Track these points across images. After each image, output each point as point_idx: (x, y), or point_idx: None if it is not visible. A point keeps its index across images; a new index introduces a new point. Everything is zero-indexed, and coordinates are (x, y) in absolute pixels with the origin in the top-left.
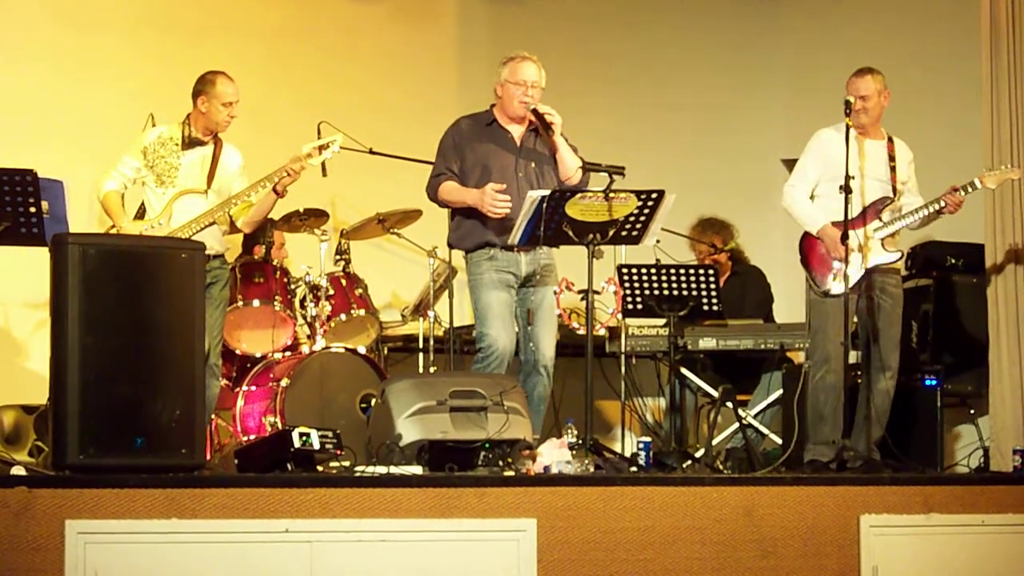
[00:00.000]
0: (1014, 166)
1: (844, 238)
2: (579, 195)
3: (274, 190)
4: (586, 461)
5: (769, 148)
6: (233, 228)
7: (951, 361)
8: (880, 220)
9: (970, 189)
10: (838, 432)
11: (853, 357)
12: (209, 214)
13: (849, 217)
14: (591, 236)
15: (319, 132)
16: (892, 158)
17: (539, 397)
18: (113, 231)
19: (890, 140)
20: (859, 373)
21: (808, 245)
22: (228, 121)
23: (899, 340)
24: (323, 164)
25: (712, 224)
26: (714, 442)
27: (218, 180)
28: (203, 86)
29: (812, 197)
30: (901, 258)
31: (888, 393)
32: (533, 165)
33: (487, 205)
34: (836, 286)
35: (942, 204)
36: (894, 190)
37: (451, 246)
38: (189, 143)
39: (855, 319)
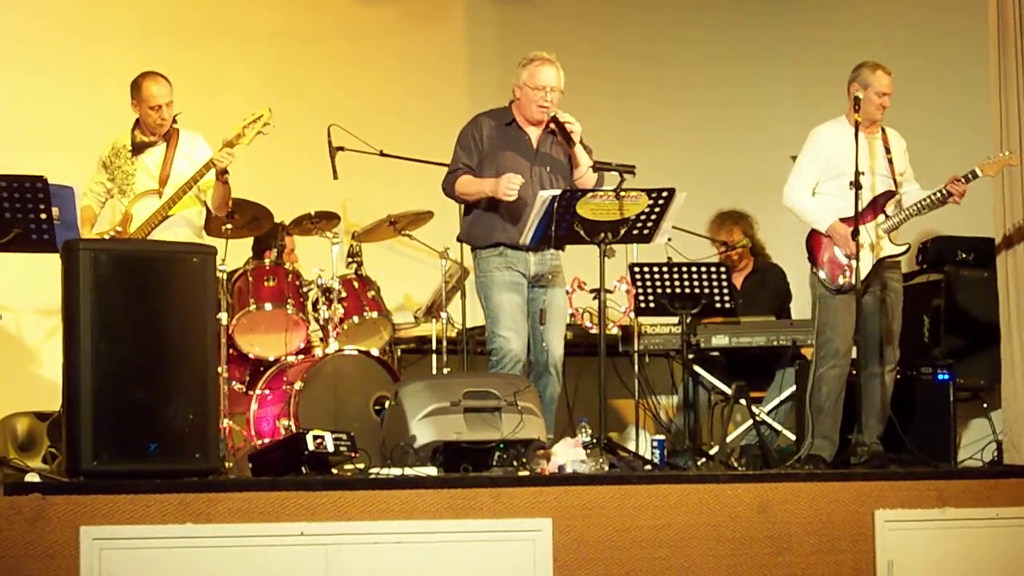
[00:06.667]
0: (1012, 152)
1: (855, 234)
2: (590, 194)
3: (216, 178)
4: (600, 460)
5: (778, 143)
6: (218, 221)
7: (963, 355)
8: (885, 214)
9: (971, 177)
10: (837, 426)
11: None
12: (161, 209)
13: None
14: (602, 235)
15: (329, 135)
16: (888, 150)
17: (550, 397)
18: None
19: (883, 132)
20: (854, 369)
21: (815, 242)
22: (162, 123)
23: (898, 333)
24: (334, 167)
25: (730, 216)
26: (728, 439)
27: (176, 175)
28: (132, 91)
29: (813, 195)
30: (908, 251)
31: (889, 386)
32: (548, 169)
33: (502, 188)
34: (845, 281)
35: (947, 194)
36: (894, 182)
37: (461, 241)
38: (136, 148)
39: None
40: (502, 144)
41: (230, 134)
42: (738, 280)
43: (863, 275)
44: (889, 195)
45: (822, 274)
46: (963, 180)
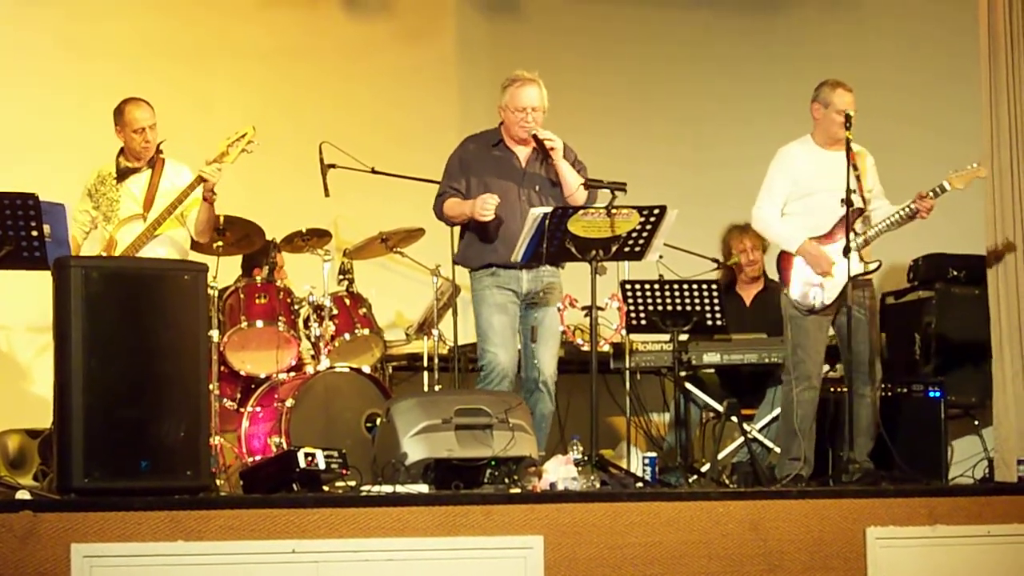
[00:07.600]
0: (980, 164)
1: (847, 251)
2: (581, 212)
3: (203, 198)
4: (592, 477)
5: (771, 160)
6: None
7: (954, 373)
8: (854, 231)
9: (939, 192)
10: (812, 447)
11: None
12: (147, 231)
13: (822, 233)
14: (594, 252)
15: (320, 152)
16: (855, 167)
17: (541, 415)
18: None
19: (848, 148)
20: (838, 389)
21: (786, 263)
22: (146, 146)
23: (879, 351)
24: (325, 184)
25: (745, 229)
26: (719, 456)
27: (159, 201)
28: (115, 117)
29: (781, 215)
30: (878, 267)
31: (875, 404)
32: (537, 188)
33: (477, 209)
34: (817, 301)
35: (914, 210)
36: (863, 199)
37: (457, 263)
38: (121, 174)
39: (832, 333)
40: (489, 166)
41: (213, 153)
42: (748, 295)
43: (835, 295)
44: (857, 212)
45: (794, 295)
46: (930, 195)
